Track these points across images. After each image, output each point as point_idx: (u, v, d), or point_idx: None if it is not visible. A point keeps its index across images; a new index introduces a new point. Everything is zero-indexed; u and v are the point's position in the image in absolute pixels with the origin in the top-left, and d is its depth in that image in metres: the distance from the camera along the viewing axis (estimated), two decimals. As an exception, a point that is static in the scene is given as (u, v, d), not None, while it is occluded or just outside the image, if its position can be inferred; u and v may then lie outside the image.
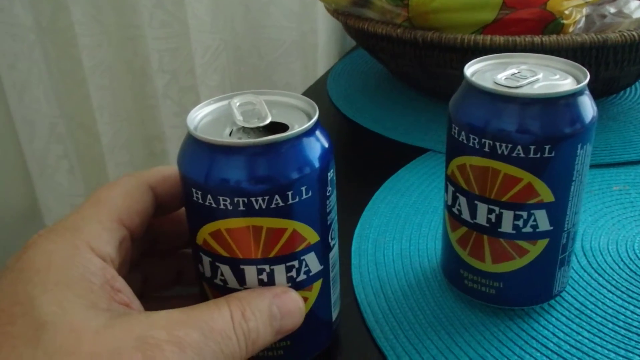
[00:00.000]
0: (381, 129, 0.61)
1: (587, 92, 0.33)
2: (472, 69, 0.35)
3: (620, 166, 0.52)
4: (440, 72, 0.58)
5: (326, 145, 0.30)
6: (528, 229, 0.34)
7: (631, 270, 0.40)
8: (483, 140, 0.32)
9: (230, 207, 0.28)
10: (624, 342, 0.34)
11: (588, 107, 0.32)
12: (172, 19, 0.94)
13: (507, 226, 0.34)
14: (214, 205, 0.28)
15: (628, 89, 0.65)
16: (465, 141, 0.33)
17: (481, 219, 0.34)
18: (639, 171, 0.51)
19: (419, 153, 0.56)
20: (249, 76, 0.99)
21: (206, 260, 0.30)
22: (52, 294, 0.25)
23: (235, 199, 0.28)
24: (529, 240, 0.34)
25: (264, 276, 0.30)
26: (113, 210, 0.29)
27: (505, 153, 0.32)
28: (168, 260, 0.36)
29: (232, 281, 0.30)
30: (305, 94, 0.74)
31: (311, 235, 0.30)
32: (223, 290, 0.31)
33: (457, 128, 0.34)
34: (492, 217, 0.34)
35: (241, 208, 0.28)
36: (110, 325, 0.24)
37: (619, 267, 0.40)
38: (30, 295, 0.25)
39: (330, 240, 0.32)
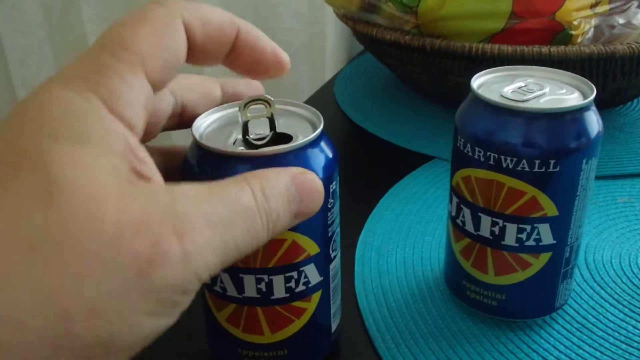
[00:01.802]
0: (387, 134, 0.61)
1: (593, 107, 0.33)
2: (479, 81, 0.35)
3: (625, 178, 0.52)
4: (448, 79, 0.58)
5: (330, 156, 0.30)
6: (531, 242, 0.34)
7: (633, 284, 0.40)
8: (488, 153, 0.32)
9: None
10: (624, 357, 0.34)
11: (594, 122, 0.32)
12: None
13: (510, 239, 0.34)
14: None
15: (636, 100, 0.65)
16: (470, 153, 0.33)
17: (485, 231, 0.34)
18: (644, 184, 0.51)
19: (424, 160, 0.56)
20: (257, 78, 0.99)
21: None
22: (66, 148, 0.20)
23: None
24: (532, 254, 0.34)
25: (262, 285, 0.30)
26: (138, 60, 0.23)
27: (510, 166, 0.32)
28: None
29: (231, 289, 0.30)
30: (312, 98, 0.74)
31: (311, 247, 0.30)
32: (222, 297, 0.31)
33: (462, 140, 0.34)
34: (496, 229, 0.34)
35: None
36: (135, 194, 0.21)
37: (622, 281, 0.40)
38: (38, 147, 0.20)
39: (331, 252, 0.32)
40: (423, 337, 0.36)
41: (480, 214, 0.34)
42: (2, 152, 0.20)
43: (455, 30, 0.55)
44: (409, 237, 0.45)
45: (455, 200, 0.36)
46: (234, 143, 0.29)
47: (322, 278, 0.31)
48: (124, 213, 0.20)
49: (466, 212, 0.35)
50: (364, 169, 0.57)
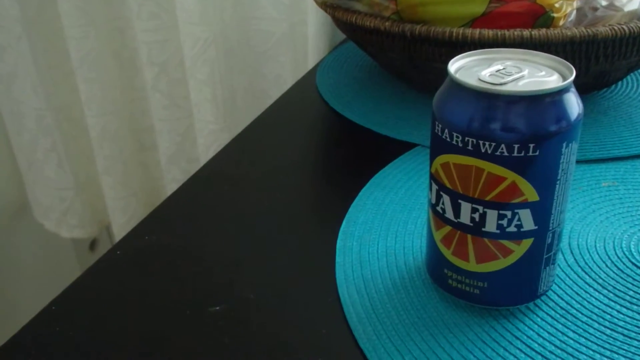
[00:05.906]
0: (369, 123, 0.60)
1: (572, 89, 0.32)
2: (457, 65, 0.34)
3: (609, 162, 0.51)
4: (429, 65, 0.57)
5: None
6: (512, 229, 0.33)
7: (618, 268, 0.39)
8: (466, 138, 0.32)
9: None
10: (609, 343, 0.34)
11: (573, 104, 0.32)
12: (161, 11, 0.93)
13: (491, 226, 0.33)
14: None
15: (619, 83, 0.65)
16: (448, 139, 0.33)
17: (465, 218, 0.34)
18: (628, 167, 0.50)
19: (407, 148, 0.55)
20: (239, 68, 0.98)
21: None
22: None
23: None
24: (514, 240, 0.33)
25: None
26: None
27: (489, 152, 0.31)
28: None
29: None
30: (294, 87, 0.73)
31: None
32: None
33: (440, 125, 0.33)
34: (476, 216, 0.33)
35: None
36: None
37: (606, 266, 0.39)
38: None
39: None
40: (405, 327, 0.36)
41: (460, 200, 0.33)
42: None
43: (435, 15, 0.54)
44: (391, 226, 0.45)
45: (434, 187, 0.35)
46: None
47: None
48: None
49: (446, 199, 0.34)
50: (347, 158, 0.56)
